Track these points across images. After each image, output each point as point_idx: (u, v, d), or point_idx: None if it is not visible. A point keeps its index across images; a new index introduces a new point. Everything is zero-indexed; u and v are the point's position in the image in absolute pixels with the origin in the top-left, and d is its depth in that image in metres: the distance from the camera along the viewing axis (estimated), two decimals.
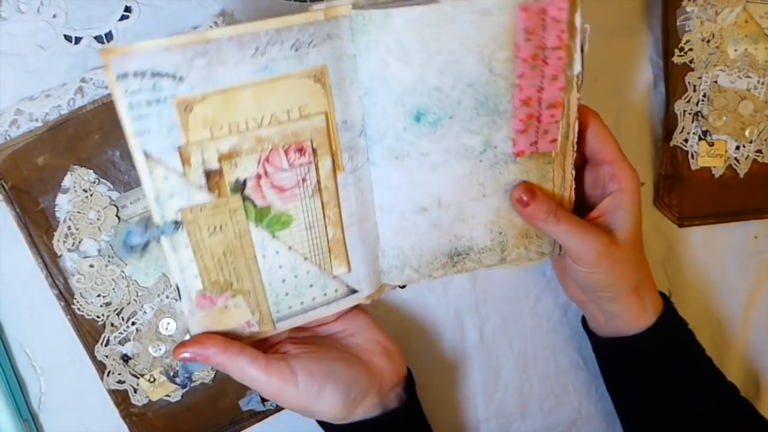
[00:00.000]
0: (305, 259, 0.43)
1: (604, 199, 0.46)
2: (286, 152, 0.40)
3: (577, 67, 0.42)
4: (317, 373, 0.42)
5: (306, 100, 0.39)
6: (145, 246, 0.44)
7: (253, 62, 0.37)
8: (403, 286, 0.51)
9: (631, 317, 0.48)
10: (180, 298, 0.41)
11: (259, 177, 0.40)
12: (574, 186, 0.46)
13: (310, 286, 0.44)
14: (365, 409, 0.44)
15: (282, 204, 0.41)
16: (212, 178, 0.38)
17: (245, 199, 0.40)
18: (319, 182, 0.42)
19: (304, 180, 0.41)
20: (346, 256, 0.45)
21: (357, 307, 0.47)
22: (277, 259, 0.42)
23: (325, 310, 0.45)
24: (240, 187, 0.40)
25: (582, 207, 0.47)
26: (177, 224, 0.39)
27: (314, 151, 0.41)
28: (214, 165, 0.38)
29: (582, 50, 0.42)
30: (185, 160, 0.37)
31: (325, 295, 0.44)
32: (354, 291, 0.46)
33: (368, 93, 0.41)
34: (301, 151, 0.40)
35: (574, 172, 0.46)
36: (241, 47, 0.36)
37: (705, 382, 0.49)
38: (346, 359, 0.44)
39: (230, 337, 0.43)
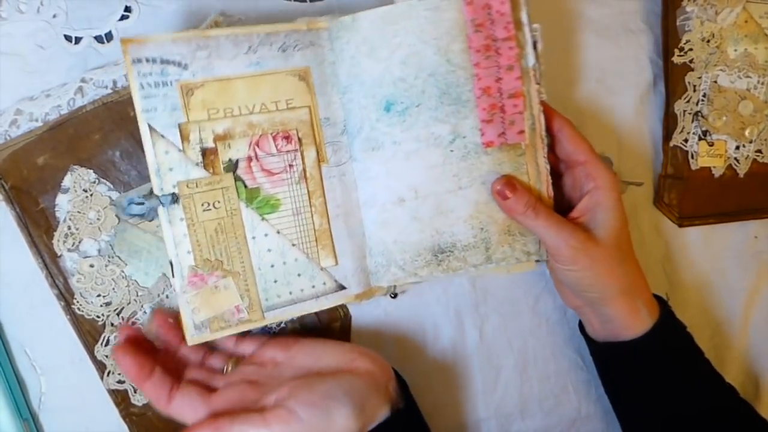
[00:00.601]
0: (293, 245, 0.46)
1: (582, 199, 0.47)
2: (274, 138, 0.45)
3: (530, 60, 0.45)
4: (315, 399, 0.41)
5: (291, 95, 0.45)
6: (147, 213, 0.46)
7: (245, 58, 0.44)
8: (395, 296, 0.52)
9: (625, 321, 0.48)
10: (173, 275, 0.44)
11: (250, 159, 0.45)
12: (550, 181, 0.47)
13: (299, 275, 0.46)
14: (376, 412, 0.43)
15: (271, 187, 0.46)
16: (208, 155, 0.44)
17: (237, 178, 0.45)
18: (304, 170, 0.46)
19: (291, 166, 0.46)
20: (333, 248, 0.47)
21: (303, 339, 0.47)
22: (266, 242, 0.46)
23: (314, 304, 0.47)
24: (233, 166, 0.45)
25: (566, 210, 0.48)
26: (174, 197, 0.44)
27: (300, 140, 0.46)
28: (209, 144, 0.44)
29: (535, 47, 0.46)
30: (185, 137, 0.44)
31: (313, 287, 0.47)
32: (342, 287, 0.47)
33: (346, 91, 0.46)
34: (287, 138, 0.46)
35: (548, 167, 0.47)
36: (236, 45, 0.44)
37: (703, 386, 0.49)
38: (334, 375, 0.44)
39: (220, 322, 0.45)
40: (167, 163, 0.43)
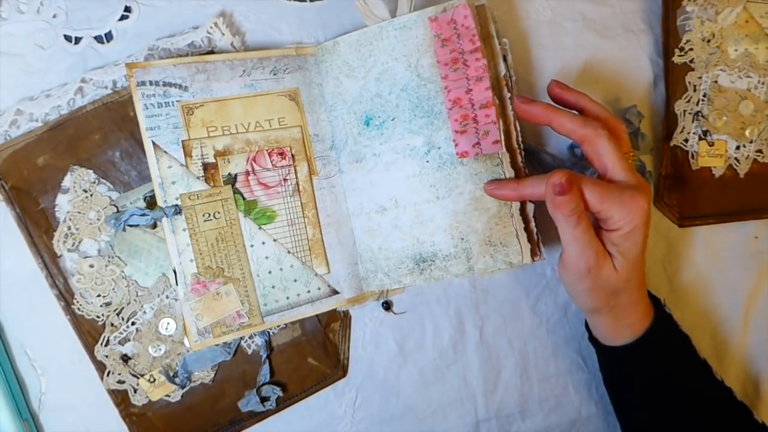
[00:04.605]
0: (288, 252, 0.49)
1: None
2: (269, 154, 0.49)
3: (501, 70, 0.47)
4: None
5: (283, 113, 0.49)
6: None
7: (240, 81, 0.49)
8: (387, 307, 0.52)
9: (606, 334, 0.49)
10: (177, 283, 0.47)
11: (247, 173, 0.49)
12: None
13: (295, 280, 0.49)
14: None
15: (267, 199, 0.49)
16: (209, 170, 0.48)
17: (236, 191, 0.48)
18: (297, 183, 0.50)
19: (285, 180, 0.49)
20: (325, 257, 0.50)
21: None
22: (263, 250, 0.49)
23: (310, 308, 0.50)
24: (232, 180, 0.48)
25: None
26: (177, 209, 0.47)
27: (293, 156, 0.50)
28: (210, 159, 0.48)
29: (505, 59, 0.47)
30: (188, 153, 0.47)
31: (308, 292, 0.50)
32: (335, 292, 0.50)
33: (331, 109, 0.50)
34: (282, 154, 0.49)
35: (527, 171, 0.48)
36: (232, 69, 0.48)
37: (694, 391, 0.49)
38: None
39: (222, 327, 0.47)
40: (170, 177, 0.47)
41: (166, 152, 0.47)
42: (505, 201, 0.46)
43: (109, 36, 0.50)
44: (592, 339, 0.52)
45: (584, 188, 0.43)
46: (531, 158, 0.54)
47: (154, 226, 0.49)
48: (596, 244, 0.44)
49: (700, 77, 0.56)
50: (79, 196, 0.48)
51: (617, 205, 0.43)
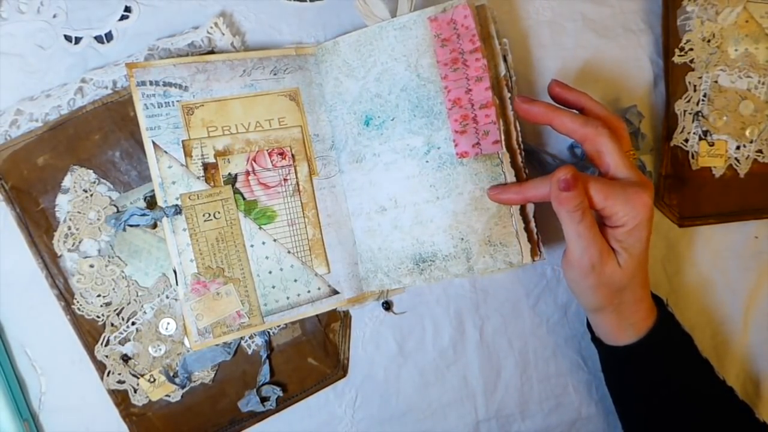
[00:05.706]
0: (288, 252, 0.49)
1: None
2: (270, 154, 0.49)
3: (501, 70, 0.47)
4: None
5: (283, 113, 0.50)
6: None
7: (241, 81, 0.49)
8: (388, 307, 0.52)
9: (609, 333, 0.49)
10: (177, 283, 0.47)
11: (248, 173, 0.49)
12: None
13: (295, 280, 0.49)
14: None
15: (267, 200, 0.49)
16: (209, 170, 0.48)
17: (236, 191, 0.48)
18: (298, 183, 0.50)
19: (285, 180, 0.50)
20: (326, 257, 0.50)
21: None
22: (263, 250, 0.49)
23: (310, 308, 0.50)
24: (232, 180, 0.48)
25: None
26: (177, 209, 0.47)
27: (293, 156, 0.50)
28: (210, 159, 0.48)
29: (505, 59, 0.48)
30: (188, 153, 0.47)
31: (308, 292, 0.50)
32: (335, 292, 0.50)
33: (331, 109, 0.50)
34: (282, 154, 0.49)
35: (527, 171, 0.48)
36: (232, 69, 0.49)
37: (696, 390, 0.49)
38: None
39: (222, 327, 0.47)
40: (170, 177, 0.47)
41: (166, 152, 0.47)
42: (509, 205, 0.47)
43: (109, 36, 0.50)
44: (595, 339, 0.52)
45: (588, 185, 0.43)
46: (531, 158, 0.54)
47: (154, 226, 0.49)
48: (600, 240, 0.44)
49: (700, 77, 0.56)
50: (79, 196, 0.48)
51: (621, 201, 0.43)
